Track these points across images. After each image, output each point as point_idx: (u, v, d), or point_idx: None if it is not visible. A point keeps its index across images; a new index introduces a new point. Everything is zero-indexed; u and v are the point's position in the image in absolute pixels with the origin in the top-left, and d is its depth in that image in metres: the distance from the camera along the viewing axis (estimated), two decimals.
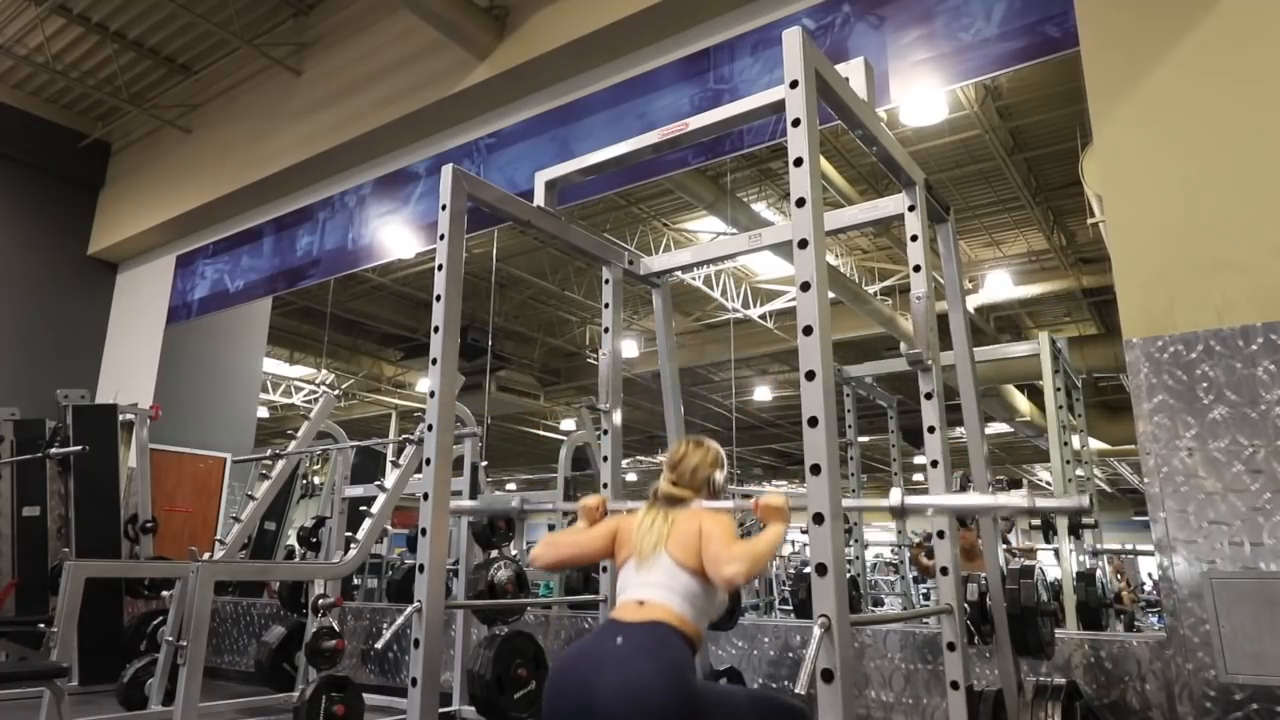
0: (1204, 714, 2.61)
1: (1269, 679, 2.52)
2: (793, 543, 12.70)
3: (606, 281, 3.52)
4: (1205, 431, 2.76)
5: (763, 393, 15.07)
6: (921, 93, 4.13)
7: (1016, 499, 2.10)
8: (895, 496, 2.13)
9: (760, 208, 9.19)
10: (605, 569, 3.37)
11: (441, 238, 2.62)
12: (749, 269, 11.04)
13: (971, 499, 2.56)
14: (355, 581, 7.42)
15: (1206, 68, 3.02)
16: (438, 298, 2.57)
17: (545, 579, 8.57)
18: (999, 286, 10.57)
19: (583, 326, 13.33)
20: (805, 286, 1.94)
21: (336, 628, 4.19)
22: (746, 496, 2.27)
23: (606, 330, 3.49)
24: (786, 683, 3.73)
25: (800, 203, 2.00)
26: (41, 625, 5.02)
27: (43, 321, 7.89)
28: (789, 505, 2.14)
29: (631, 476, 14.23)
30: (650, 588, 2.05)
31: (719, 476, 2.33)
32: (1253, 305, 2.76)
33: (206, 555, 4.45)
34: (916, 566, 5.60)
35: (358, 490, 5.73)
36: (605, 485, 3.34)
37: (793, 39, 2.09)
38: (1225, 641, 2.61)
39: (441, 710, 3.90)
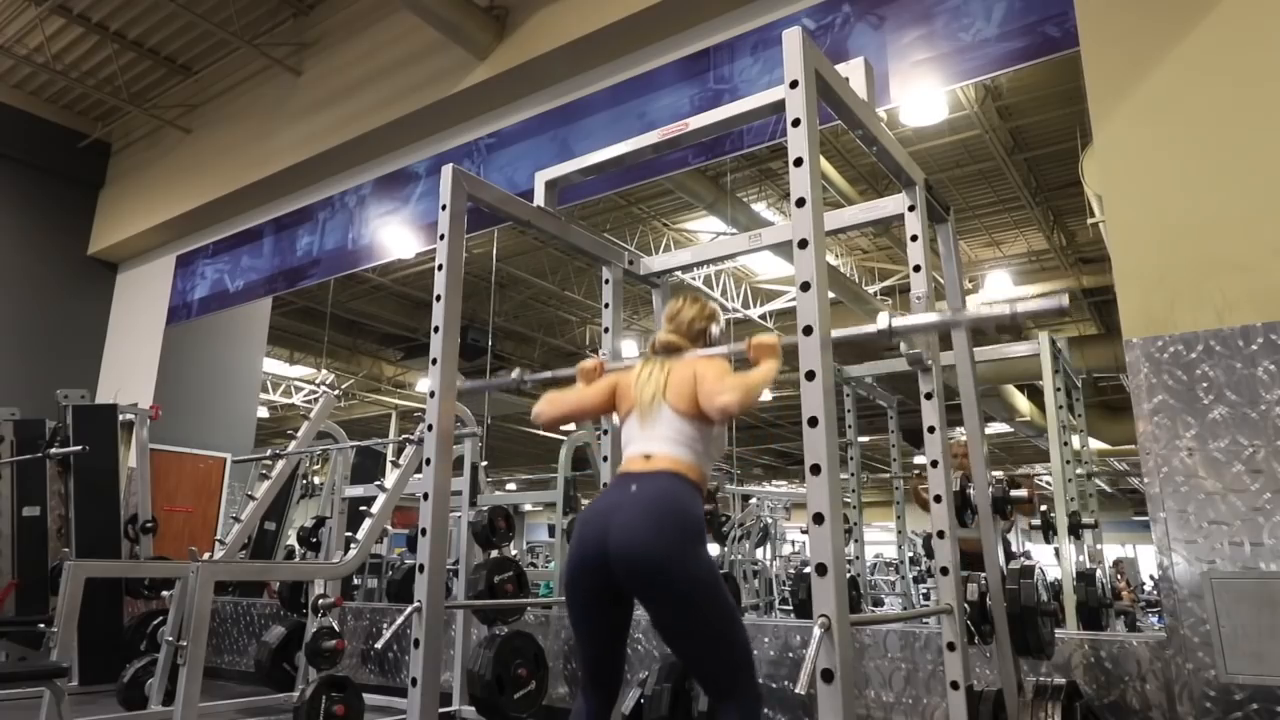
0: (1204, 714, 2.61)
1: (1269, 679, 2.52)
2: (792, 543, 12.73)
3: (606, 281, 3.52)
4: (1205, 431, 2.75)
5: (762, 392, 15.04)
6: (921, 93, 4.13)
7: (999, 308, 2.11)
8: (883, 319, 2.17)
9: (760, 208, 9.20)
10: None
11: (441, 238, 2.61)
12: (749, 269, 11.05)
13: (956, 314, 2.51)
14: (355, 581, 7.41)
15: (1207, 68, 3.02)
16: (438, 298, 2.57)
17: (546, 579, 8.57)
18: (999, 286, 10.57)
19: (583, 326, 13.34)
20: (805, 286, 1.94)
21: (336, 628, 4.19)
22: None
23: (606, 330, 3.48)
24: (786, 683, 3.73)
25: (800, 203, 2.00)
26: (41, 625, 5.02)
27: (43, 321, 7.89)
28: (782, 344, 2.20)
29: None
30: (655, 441, 2.16)
31: (714, 329, 2.45)
32: (1253, 305, 2.76)
33: (206, 555, 4.45)
34: (914, 499, 5.49)
35: (358, 490, 5.74)
36: (604, 485, 3.33)
37: (793, 39, 2.08)
38: (1225, 641, 2.61)
39: (441, 710, 3.90)
